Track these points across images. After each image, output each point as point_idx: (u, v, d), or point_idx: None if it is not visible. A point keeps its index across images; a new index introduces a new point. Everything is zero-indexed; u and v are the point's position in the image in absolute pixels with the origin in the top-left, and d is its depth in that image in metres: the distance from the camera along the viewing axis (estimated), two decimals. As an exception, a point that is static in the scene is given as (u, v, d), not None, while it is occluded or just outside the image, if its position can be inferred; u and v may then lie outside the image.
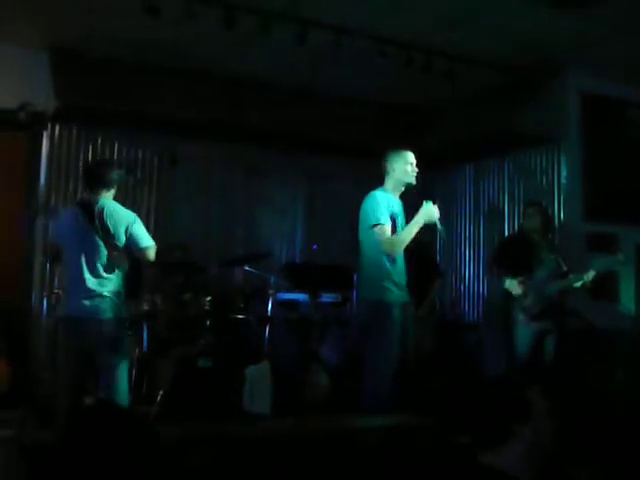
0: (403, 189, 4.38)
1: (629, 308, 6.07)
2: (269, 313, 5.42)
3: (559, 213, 6.02)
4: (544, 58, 5.75)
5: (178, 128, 6.29)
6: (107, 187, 4.05)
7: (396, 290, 4.36)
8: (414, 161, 4.36)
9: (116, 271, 3.90)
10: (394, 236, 4.19)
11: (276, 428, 3.64)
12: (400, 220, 4.31)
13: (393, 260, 4.30)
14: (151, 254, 3.98)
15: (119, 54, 5.82)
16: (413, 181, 4.34)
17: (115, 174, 4.10)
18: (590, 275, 4.92)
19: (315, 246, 6.07)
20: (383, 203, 4.21)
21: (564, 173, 6.03)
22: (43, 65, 5.79)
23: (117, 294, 3.90)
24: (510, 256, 5.14)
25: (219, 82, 6.31)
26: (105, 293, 3.86)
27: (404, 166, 4.32)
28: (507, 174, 6.64)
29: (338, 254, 5.76)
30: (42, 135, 5.96)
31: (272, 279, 5.55)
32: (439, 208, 4.28)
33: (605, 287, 5.95)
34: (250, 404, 4.90)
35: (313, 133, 6.63)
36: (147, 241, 3.97)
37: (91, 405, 3.80)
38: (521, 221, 5.28)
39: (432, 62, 5.50)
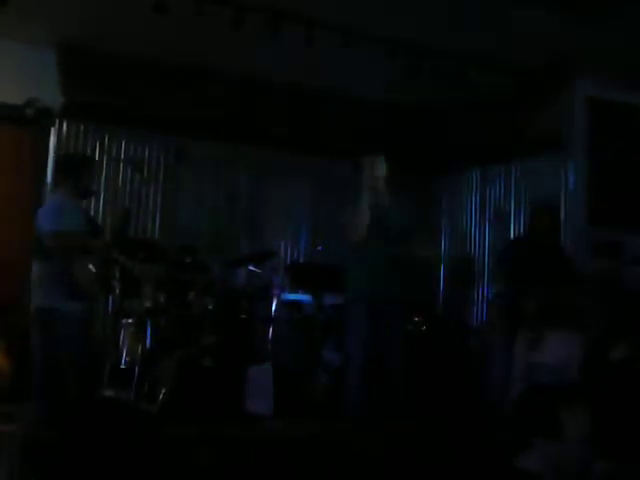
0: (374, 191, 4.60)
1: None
2: (272, 314, 5.42)
3: (565, 219, 6.00)
4: (552, 63, 5.73)
5: (185, 127, 6.29)
6: None
7: (362, 288, 4.44)
8: (376, 165, 4.61)
9: None
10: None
11: (278, 429, 3.64)
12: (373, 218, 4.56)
13: (363, 258, 4.51)
14: None
15: (127, 51, 5.83)
16: (376, 185, 4.58)
17: None
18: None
19: (320, 247, 6.06)
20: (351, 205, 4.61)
21: (571, 179, 6.02)
22: (50, 62, 5.80)
23: None
24: (516, 259, 5.10)
25: (226, 82, 6.31)
26: None
27: (369, 171, 4.62)
28: (514, 179, 6.62)
29: (342, 255, 5.74)
30: (49, 131, 5.96)
31: (276, 279, 5.55)
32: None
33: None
34: (252, 404, 4.89)
35: (319, 134, 6.63)
36: None
37: (94, 402, 3.80)
38: (529, 222, 5.24)
39: (440, 66, 5.50)
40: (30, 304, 4.19)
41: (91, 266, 4.09)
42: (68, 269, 3.97)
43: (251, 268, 5.73)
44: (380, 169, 4.62)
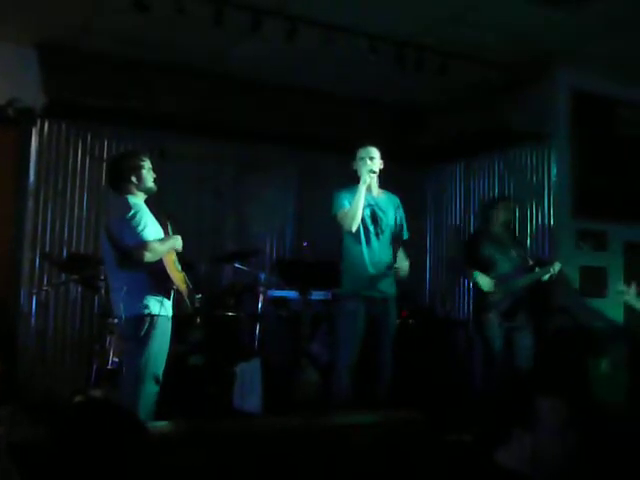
0: (367, 182, 4.49)
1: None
2: (259, 310, 5.42)
3: (549, 210, 6.04)
4: (535, 55, 5.76)
5: (168, 124, 6.25)
6: None
7: (356, 283, 4.44)
8: (370, 155, 4.54)
9: None
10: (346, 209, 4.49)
11: (267, 425, 3.63)
12: (368, 212, 4.52)
13: (359, 252, 4.47)
14: None
15: (109, 50, 5.79)
16: (365, 176, 4.46)
17: None
18: (557, 267, 5.01)
19: (306, 243, 6.06)
20: (343, 197, 4.54)
21: (554, 170, 6.05)
22: (32, 61, 5.74)
23: None
24: (477, 252, 5.16)
25: (210, 78, 6.29)
26: None
27: (359, 161, 4.56)
28: (497, 171, 6.66)
29: (329, 251, 5.74)
30: (31, 131, 5.91)
31: (262, 276, 5.55)
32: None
33: (594, 284, 5.99)
34: (241, 401, 4.89)
35: (304, 130, 6.63)
36: None
37: (81, 402, 3.78)
38: (488, 213, 5.33)
39: (423, 59, 5.50)
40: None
41: (179, 266, 3.97)
42: (162, 273, 3.78)
43: (237, 265, 5.72)
44: (376, 161, 4.59)
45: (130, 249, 3.71)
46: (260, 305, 5.42)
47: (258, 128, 6.49)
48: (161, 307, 3.81)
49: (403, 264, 4.62)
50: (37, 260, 5.85)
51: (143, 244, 3.68)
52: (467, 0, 4.83)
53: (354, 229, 4.45)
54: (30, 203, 5.89)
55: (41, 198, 5.93)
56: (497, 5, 4.86)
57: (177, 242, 3.95)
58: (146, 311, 3.78)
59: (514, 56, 5.77)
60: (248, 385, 4.91)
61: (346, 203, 4.50)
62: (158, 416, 3.87)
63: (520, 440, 1.92)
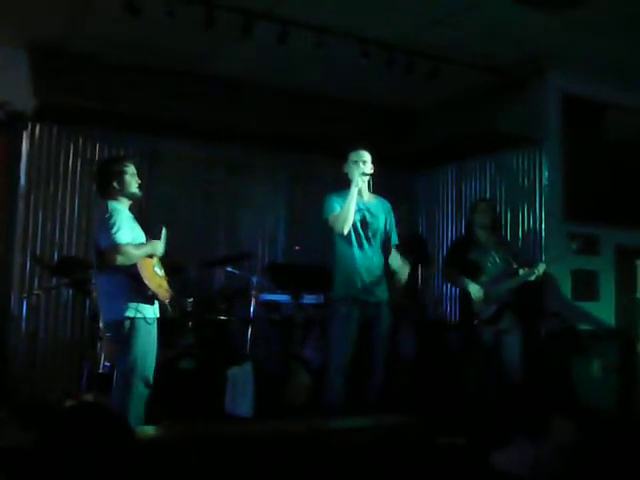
0: (359, 185, 4.50)
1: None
2: (251, 314, 5.41)
3: (540, 214, 6.06)
4: (526, 59, 5.77)
5: (159, 127, 6.25)
6: None
7: (349, 287, 4.43)
8: (363, 159, 4.56)
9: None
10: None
11: (259, 429, 3.63)
12: (359, 216, 4.52)
13: (351, 256, 4.47)
14: None
15: (100, 53, 5.77)
16: (357, 179, 4.49)
17: None
18: (541, 268, 4.99)
19: (297, 247, 6.06)
20: (334, 200, 4.55)
21: (545, 174, 6.06)
22: (22, 64, 5.71)
23: None
24: (463, 259, 5.15)
25: (201, 81, 6.28)
26: None
27: (351, 164, 4.57)
28: (489, 175, 6.67)
29: (320, 255, 5.74)
30: (22, 135, 5.88)
31: (254, 280, 5.53)
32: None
33: (586, 287, 6.00)
34: (232, 405, 4.88)
35: (296, 133, 6.62)
36: None
37: (71, 407, 3.76)
38: (470, 216, 5.34)
39: (414, 63, 5.51)
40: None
41: (160, 270, 3.96)
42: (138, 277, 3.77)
43: (229, 269, 5.71)
44: (368, 164, 4.58)
45: (102, 251, 3.76)
46: (252, 309, 5.41)
47: (249, 131, 6.49)
48: (141, 310, 3.81)
49: (402, 270, 4.61)
50: (28, 263, 5.83)
51: (115, 247, 3.71)
52: (460, 4, 4.84)
53: (346, 231, 4.45)
54: (21, 206, 5.87)
55: (32, 201, 5.91)
56: (490, 9, 4.87)
57: (157, 248, 3.97)
58: (125, 314, 3.79)
59: (505, 60, 5.79)
60: (240, 389, 4.90)
61: (337, 207, 4.51)
62: (149, 420, 3.85)
63: (521, 445, 1.93)
